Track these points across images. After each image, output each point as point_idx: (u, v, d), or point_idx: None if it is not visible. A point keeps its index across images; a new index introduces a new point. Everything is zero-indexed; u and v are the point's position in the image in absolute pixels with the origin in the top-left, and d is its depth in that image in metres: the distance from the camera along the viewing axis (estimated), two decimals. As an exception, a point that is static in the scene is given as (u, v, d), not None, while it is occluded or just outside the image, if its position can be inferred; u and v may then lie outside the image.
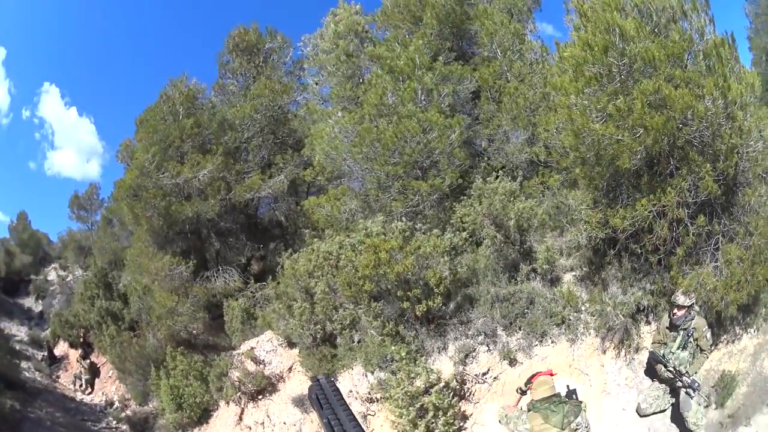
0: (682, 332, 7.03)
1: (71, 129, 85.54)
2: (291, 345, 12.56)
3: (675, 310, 6.99)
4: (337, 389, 1.94)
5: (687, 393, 6.83)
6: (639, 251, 8.12)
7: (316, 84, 16.78)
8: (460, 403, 8.92)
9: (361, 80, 14.07)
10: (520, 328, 8.90)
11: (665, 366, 7.11)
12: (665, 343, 7.23)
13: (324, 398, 1.86)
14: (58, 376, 21.88)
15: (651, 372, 7.63)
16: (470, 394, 9.01)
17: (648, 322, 8.25)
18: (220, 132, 17.26)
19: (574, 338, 8.49)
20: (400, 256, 9.45)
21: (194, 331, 15.56)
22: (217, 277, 16.39)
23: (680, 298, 6.93)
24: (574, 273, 9.45)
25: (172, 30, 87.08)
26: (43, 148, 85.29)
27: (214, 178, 16.01)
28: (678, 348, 7.09)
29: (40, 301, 35.13)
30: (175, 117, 16.72)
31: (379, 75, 12.36)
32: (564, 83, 8.11)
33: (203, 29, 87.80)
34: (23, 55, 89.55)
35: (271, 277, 14.28)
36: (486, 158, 12.87)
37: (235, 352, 13.99)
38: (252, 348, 13.37)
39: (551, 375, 6.56)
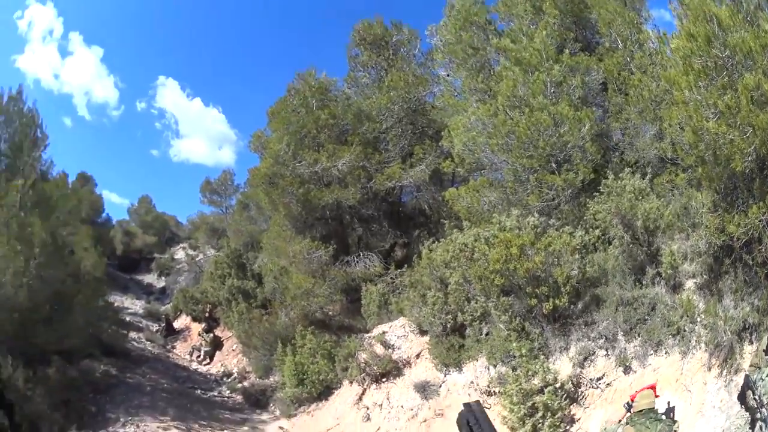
0: None
1: (198, 118, 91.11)
2: (422, 332, 13.02)
3: None
4: (487, 417, 1.82)
5: (760, 428, 6.28)
6: (750, 262, 7.73)
7: (448, 76, 16.77)
8: (571, 406, 9.03)
9: (491, 72, 14.23)
10: (639, 335, 8.80)
11: (753, 392, 6.44)
12: (759, 368, 6.56)
13: (476, 424, 1.82)
14: (173, 347, 23.57)
15: (742, 397, 6.86)
16: (582, 397, 9.10)
17: (750, 342, 7.42)
18: (356, 123, 18.09)
19: (686, 351, 8.06)
20: (531, 252, 9.79)
21: (330, 312, 16.31)
22: (357, 261, 17.16)
23: None
24: (695, 280, 8.93)
25: (288, 21, 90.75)
26: (166, 137, 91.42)
27: (353, 167, 16.82)
28: None
29: (163, 278, 37.68)
30: (307, 109, 17.71)
31: (508, 67, 12.55)
32: (676, 77, 7.76)
33: (319, 22, 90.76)
34: (128, 51, 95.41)
35: (408, 264, 14.80)
36: (619, 152, 12.65)
37: (366, 335, 14.64)
38: (384, 332, 13.93)
39: (653, 389, 6.90)
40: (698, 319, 8.20)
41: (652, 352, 8.46)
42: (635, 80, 12.21)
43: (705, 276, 8.69)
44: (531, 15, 14.28)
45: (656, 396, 7.09)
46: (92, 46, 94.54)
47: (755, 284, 7.69)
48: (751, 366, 6.59)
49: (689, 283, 9.02)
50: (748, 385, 6.36)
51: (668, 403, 7.44)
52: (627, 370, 8.63)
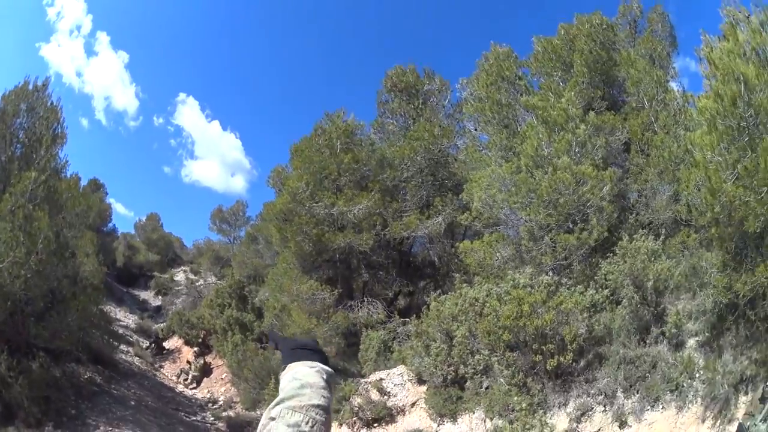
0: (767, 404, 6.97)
1: (214, 141, 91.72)
2: (420, 382, 13.04)
3: None
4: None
5: None
6: (752, 318, 8.18)
7: (475, 130, 17.27)
8: None
9: (517, 129, 14.46)
10: (638, 391, 9.09)
11: None
12: (753, 415, 7.13)
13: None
14: (162, 366, 23.46)
15: None
16: None
17: (746, 393, 8.07)
18: (378, 169, 18.38)
19: (682, 405, 8.52)
20: (541, 310, 10.04)
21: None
22: (361, 307, 17.35)
23: None
24: (697, 338, 9.49)
25: (319, 60, 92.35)
26: (180, 156, 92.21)
27: (370, 213, 17.10)
28: (761, 420, 6.97)
29: (160, 297, 37.74)
30: (331, 150, 17.97)
31: (534, 126, 12.97)
32: (700, 138, 8.03)
33: (351, 63, 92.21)
34: (153, 62, 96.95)
35: (415, 314, 14.72)
36: (635, 213, 12.87)
37: (363, 380, 14.52)
38: (381, 379, 13.92)
39: None
40: (697, 375, 8.77)
41: (649, 407, 8.86)
42: (658, 140, 12.60)
43: (707, 333, 9.24)
44: (561, 72, 14.80)
45: None
46: (119, 51, 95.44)
47: (756, 338, 8.29)
48: (745, 414, 7.30)
49: (691, 341, 9.56)
50: (741, 432, 6.86)
51: None
52: (623, 425, 8.95)
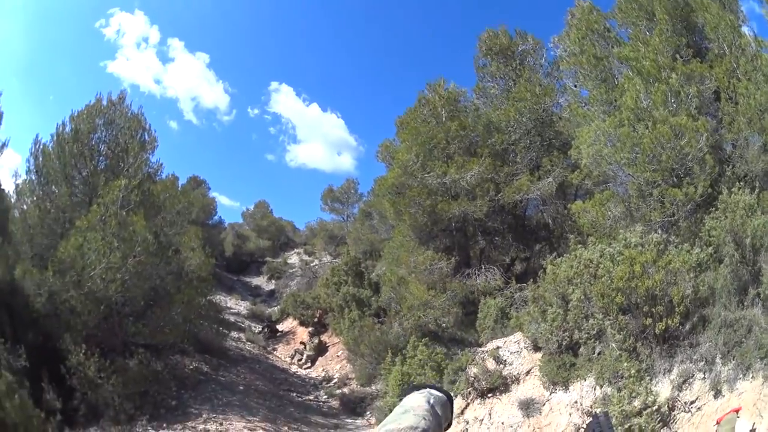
0: None
1: (316, 124, 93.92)
2: (536, 349, 12.95)
3: None
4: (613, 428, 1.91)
5: None
6: None
7: (575, 86, 16.98)
8: (662, 430, 8.93)
9: (614, 82, 14.28)
10: (734, 358, 8.72)
11: None
12: None
13: None
14: (275, 349, 24.37)
15: None
16: (673, 421, 9.00)
17: None
18: (486, 134, 18.37)
19: None
20: (652, 270, 9.82)
21: (443, 324, 16.20)
22: (478, 274, 17.41)
23: None
24: None
25: (412, 30, 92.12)
26: (282, 142, 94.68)
27: (482, 179, 17.12)
28: None
29: (273, 281, 39.01)
30: (437, 119, 18.16)
31: (630, 78, 12.76)
32: None
33: (442, 30, 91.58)
34: (237, 57, 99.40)
35: (532, 279, 14.59)
36: (731, 165, 12.39)
37: (479, 349, 14.66)
38: (498, 347, 13.93)
39: (737, 412, 6.92)
40: None
41: (741, 375, 8.49)
42: (742, 88, 12.12)
43: None
44: (645, 21, 14.47)
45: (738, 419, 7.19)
46: (196, 53, 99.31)
47: None
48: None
49: None
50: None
51: (752, 424, 7.54)
52: (717, 394, 8.67)
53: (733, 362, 8.63)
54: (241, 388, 15.66)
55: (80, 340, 11.21)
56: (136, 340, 12.56)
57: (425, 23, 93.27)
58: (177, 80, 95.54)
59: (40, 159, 13.19)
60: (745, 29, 13.53)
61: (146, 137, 14.38)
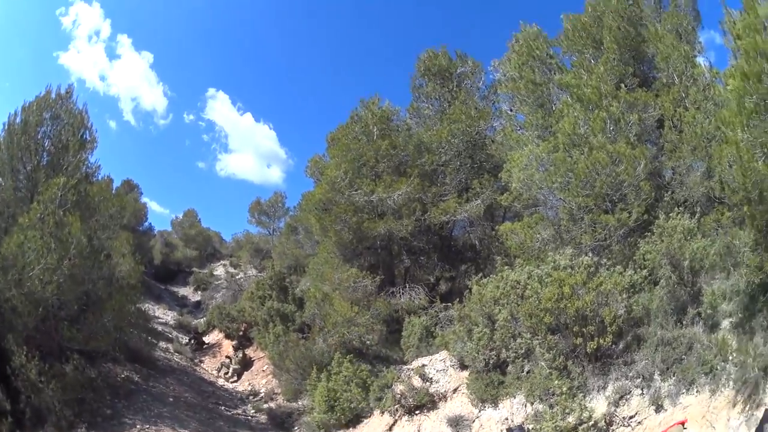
0: None
1: (248, 134, 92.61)
2: (463, 367, 13.17)
3: None
4: None
5: None
6: None
7: (511, 111, 17.32)
8: None
9: (551, 108, 14.55)
10: (674, 374, 9.07)
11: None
12: None
13: None
14: (201, 361, 23.82)
15: (760, 431, 7.18)
16: None
17: None
18: (416, 154, 18.51)
19: (716, 389, 8.42)
20: (582, 292, 10.09)
21: (367, 342, 16.25)
22: (402, 293, 17.56)
23: None
24: (731, 319, 9.34)
25: (349, 47, 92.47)
26: (214, 150, 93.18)
27: (409, 199, 17.25)
28: None
29: (199, 292, 38.32)
30: (368, 137, 18.25)
31: (570, 104, 13.03)
32: (729, 116, 7.91)
33: (381, 48, 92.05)
34: (179, 60, 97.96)
35: (458, 299, 14.63)
36: (670, 191, 12.84)
37: (405, 367, 14.80)
38: (423, 365, 14.04)
39: (683, 424, 7.22)
40: (730, 358, 8.63)
41: (684, 390, 8.93)
42: (690, 117, 12.51)
43: (740, 314, 9.10)
44: (592, 49, 14.82)
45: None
46: (142, 52, 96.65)
47: (787, 319, 8.17)
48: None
49: (725, 323, 9.44)
50: (766, 419, 6.90)
51: None
52: (659, 408, 9.02)
53: (674, 378, 9.03)
54: (171, 399, 15.46)
55: (21, 341, 11.10)
56: (71, 345, 12.35)
57: (366, 41, 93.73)
58: (121, 78, 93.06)
59: (-8, 148, 12.96)
60: (700, 59, 14.04)
61: (87, 136, 14.18)
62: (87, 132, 14.18)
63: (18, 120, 13.26)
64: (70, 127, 13.81)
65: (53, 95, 13.89)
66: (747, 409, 7.74)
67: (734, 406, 7.97)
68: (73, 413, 11.12)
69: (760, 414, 7.44)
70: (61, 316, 12.23)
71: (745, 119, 7.57)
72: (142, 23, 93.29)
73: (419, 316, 16.27)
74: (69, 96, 14.10)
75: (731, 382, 8.26)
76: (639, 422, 9.13)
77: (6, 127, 13.18)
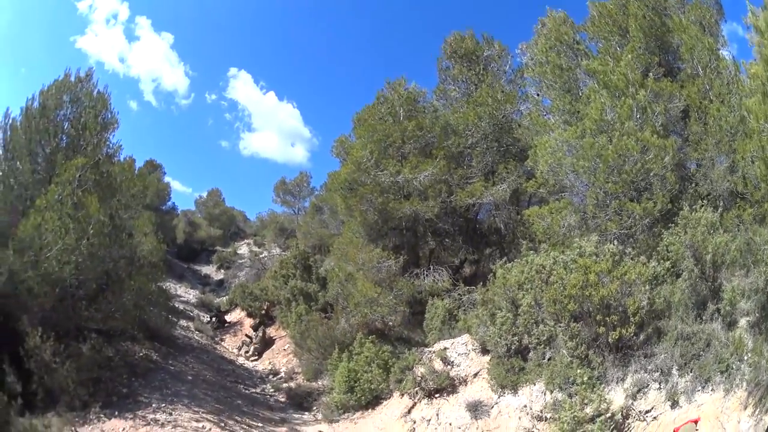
0: None
1: (271, 113, 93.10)
2: (484, 351, 13.03)
3: None
4: None
5: None
6: None
7: (537, 95, 17.03)
8: None
9: (578, 94, 14.38)
10: (691, 370, 8.92)
11: None
12: None
13: None
14: (222, 339, 24.08)
15: None
16: (628, 429, 9.14)
17: None
18: (443, 136, 18.42)
19: (730, 389, 8.23)
20: (606, 280, 9.92)
21: (390, 323, 16.37)
22: (426, 275, 17.45)
23: None
24: (748, 318, 9.21)
25: (376, 26, 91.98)
26: (237, 129, 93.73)
27: (435, 181, 17.21)
28: None
29: (222, 271, 38.71)
30: (394, 118, 18.20)
31: (596, 90, 12.83)
32: (755, 106, 7.83)
33: (407, 29, 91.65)
34: (200, 40, 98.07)
35: (481, 282, 14.61)
36: (694, 183, 12.71)
37: (426, 349, 14.63)
38: (445, 348, 13.91)
39: (696, 423, 7.10)
40: (745, 358, 8.44)
41: (700, 388, 8.71)
42: (714, 109, 12.34)
43: (757, 314, 8.93)
44: (618, 37, 14.68)
45: (697, 431, 7.35)
46: (162, 33, 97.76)
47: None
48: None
49: (743, 321, 9.29)
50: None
51: None
52: (674, 405, 8.85)
53: (691, 374, 8.84)
54: (190, 378, 15.49)
55: (36, 322, 11.06)
56: (88, 324, 12.36)
57: (392, 21, 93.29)
58: (141, 59, 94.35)
59: (9, 133, 13.04)
60: (724, 52, 13.77)
61: (108, 116, 14.20)
62: (108, 113, 14.25)
63: (35, 104, 13.30)
64: (91, 109, 13.85)
65: (72, 78, 13.94)
66: (756, 412, 7.59)
67: (745, 408, 7.83)
68: (88, 393, 11.11)
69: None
70: (80, 296, 12.23)
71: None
72: (161, 4, 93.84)
73: (442, 299, 16.13)
74: (89, 78, 14.16)
75: (744, 383, 8.12)
76: (654, 417, 9.00)
77: (24, 111, 13.20)
